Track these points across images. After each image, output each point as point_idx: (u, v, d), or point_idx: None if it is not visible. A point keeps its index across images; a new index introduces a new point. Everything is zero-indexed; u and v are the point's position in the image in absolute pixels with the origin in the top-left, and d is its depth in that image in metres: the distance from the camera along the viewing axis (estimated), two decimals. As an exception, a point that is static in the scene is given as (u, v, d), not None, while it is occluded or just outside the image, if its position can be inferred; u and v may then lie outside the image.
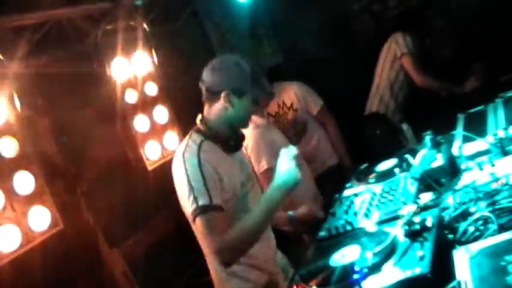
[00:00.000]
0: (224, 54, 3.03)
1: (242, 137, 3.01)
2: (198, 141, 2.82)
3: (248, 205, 2.91)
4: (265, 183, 3.79)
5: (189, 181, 2.68)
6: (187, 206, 2.70)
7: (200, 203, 2.64)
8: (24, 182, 3.67)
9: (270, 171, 3.59)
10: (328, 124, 4.88)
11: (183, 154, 2.77)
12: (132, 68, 4.89)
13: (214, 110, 2.89)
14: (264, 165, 4.02)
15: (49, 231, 3.73)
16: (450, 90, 5.02)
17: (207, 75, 2.88)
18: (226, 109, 2.85)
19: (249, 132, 3.81)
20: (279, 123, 4.75)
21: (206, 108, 2.94)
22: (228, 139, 2.90)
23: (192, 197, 2.66)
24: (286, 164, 2.68)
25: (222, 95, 2.82)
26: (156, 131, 5.03)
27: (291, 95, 4.79)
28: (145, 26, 5.05)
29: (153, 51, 5.13)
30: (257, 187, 3.12)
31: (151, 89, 5.09)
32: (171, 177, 2.86)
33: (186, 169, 2.72)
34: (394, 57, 5.11)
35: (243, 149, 3.09)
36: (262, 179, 3.93)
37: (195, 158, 2.73)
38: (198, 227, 2.70)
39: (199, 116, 2.95)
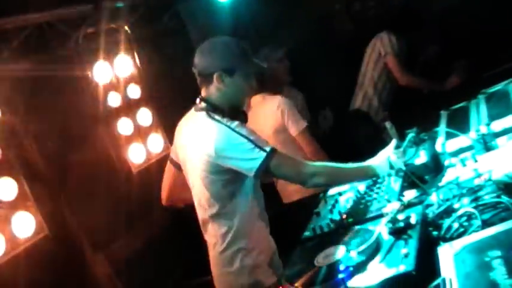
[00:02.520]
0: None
1: (246, 115, 3.07)
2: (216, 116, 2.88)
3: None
4: (303, 142, 4.23)
5: (244, 137, 2.78)
6: (250, 160, 2.77)
7: (267, 148, 2.76)
8: (7, 188, 3.64)
9: (309, 129, 4.17)
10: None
11: (219, 123, 2.84)
12: (114, 71, 4.86)
13: (212, 91, 2.97)
14: (303, 123, 4.22)
15: (34, 237, 3.70)
16: (432, 88, 5.06)
17: (197, 60, 2.99)
18: (221, 90, 2.93)
19: (275, 102, 4.24)
20: None
21: (203, 91, 3.02)
22: (234, 116, 2.93)
23: (256, 148, 2.77)
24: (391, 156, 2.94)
25: (214, 76, 2.90)
26: (140, 133, 5.00)
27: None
28: (127, 28, 5.02)
29: (136, 53, 5.10)
30: None
31: (135, 92, 5.06)
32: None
33: (233, 130, 2.81)
34: (378, 56, 5.14)
35: None
36: (300, 138, 4.22)
37: (231, 121, 2.83)
38: (277, 167, 2.79)
39: (199, 98, 3.02)
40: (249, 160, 2.78)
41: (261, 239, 3.02)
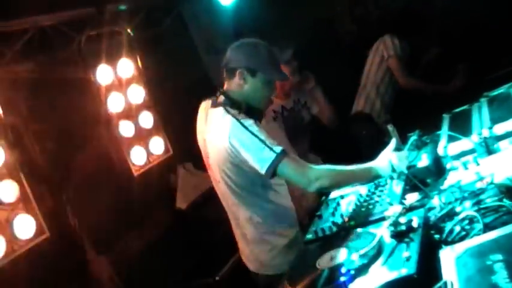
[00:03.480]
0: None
1: (261, 113, 3.20)
2: (235, 111, 3.00)
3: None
4: None
5: (255, 136, 2.88)
6: (261, 159, 2.87)
7: (277, 149, 2.85)
8: (9, 189, 3.64)
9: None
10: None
11: (234, 118, 2.95)
12: (116, 74, 4.87)
13: (233, 86, 3.11)
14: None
15: (35, 239, 3.71)
16: (435, 91, 5.06)
17: (227, 54, 3.13)
18: (242, 86, 3.07)
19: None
20: (293, 120, 4.59)
21: (225, 85, 3.16)
22: (251, 114, 3.03)
23: (267, 148, 2.86)
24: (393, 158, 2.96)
25: (237, 72, 3.05)
26: (142, 136, 5.01)
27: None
28: (129, 31, 5.03)
29: (138, 56, 5.11)
30: None
31: (136, 94, 5.06)
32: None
33: (246, 127, 2.91)
34: (381, 59, 5.15)
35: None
36: None
37: (246, 118, 2.94)
38: (283, 169, 2.88)
39: (219, 91, 3.15)
40: (260, 160, 2.88)
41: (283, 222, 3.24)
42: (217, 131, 3.03)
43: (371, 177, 3.05)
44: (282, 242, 3.21)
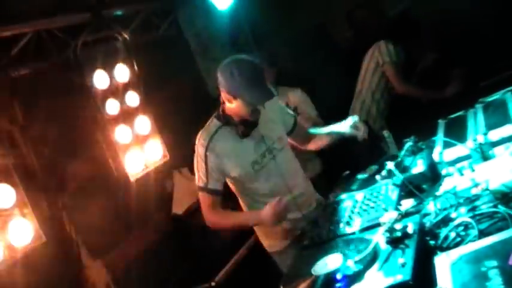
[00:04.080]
0: (235, 55, 3.27)
1: (253, 123, 3.36)
2: (214, 129, 3.34)
3: (265, 175, 3.43)
4: None
5: (197, 162, 3.36)
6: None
7: (199, 184, 3.35)
8: (5, 194, 3.63)
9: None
10: None
11: (198, 139, 3.35)
12: (112, 79, 4.86)
13: (225, 100, 3.30)
14: None
15: (31, 244, 3.70)
16: (431, 97, 5.06)
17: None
18: (230, 102, 3.25)
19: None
20: None
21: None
22: (238, 125, 3.31)
23: (196, 175, 3.38)
24: (274, 212, 3.11)
25: (222, 93, 3.25)
26: (138, 141, 5.00)
27: (296, 99, 4.89)
28: (125, 36, 5.03)
29: (134, 61, 5.11)
30: (281, 155, 3.50)
31: (133, 100, 5.06)
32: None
33: (196, 152, 3.35)
34: (376, 65, 5.14)
35: (260, 127, 3.42)
36: None
37: (203, 147, 3.30)
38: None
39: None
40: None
41: None
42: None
43: (253, 225, 3.56)
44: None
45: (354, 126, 3.59)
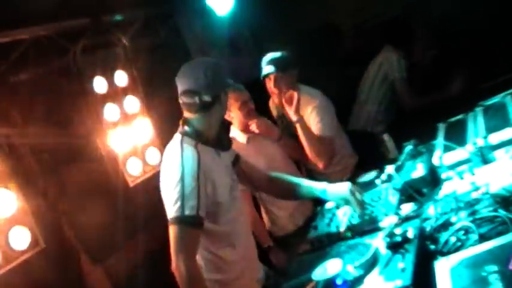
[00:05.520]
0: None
1: (227, 132, 3.19)
2: (191, 145, 2.87)
3: (235, 209, 3.04)
4: None
5: (179, 184, 2.72)
6: (170, 205, 2.76)
7: (181, 213, 2.71)
8: (4, 200, 3.63)
9: None
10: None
11: (174, 157, 2.82)
12: (112, 84, 4.86)
13: None
14: None
15: (30, 250, 3.68)
16: (439, 99, 4.97)
17: None
18: None
19: None
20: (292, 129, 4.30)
21: None
22: (216, 139, 3.01)
23: (174, 204, 2.72)
24: None
25: (191, 102, 2.96)
26: (138, 146, 4.99)
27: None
28: (125, 41, 5.03)
29: (133, 66, 5.10)
30: (239, 198, 3.17)
31: (132, 105, 5.05)
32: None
33: (177, 174, 2.75)
34: (384, 77, 5.05)
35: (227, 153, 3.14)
36: None
37: (193, 162, 2.78)
38: (171, 233, 2.78)
39: None
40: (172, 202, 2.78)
41: None
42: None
43: None
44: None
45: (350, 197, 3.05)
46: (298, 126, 3.95)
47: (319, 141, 4.00)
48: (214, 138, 3.00)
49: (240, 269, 3.05)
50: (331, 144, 4.10)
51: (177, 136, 2.97)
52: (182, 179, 2.73)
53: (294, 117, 3.93)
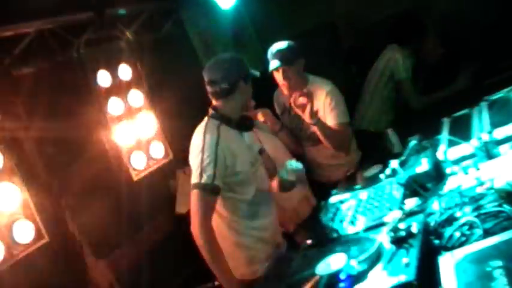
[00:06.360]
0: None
1: (251, 118, 3.53)
2: (216, 125, 3.28)
3: (256, 181, 3.39)
4: None
5: (200, 154, 3.14)
6: (193, 172, 3.16)
7: (200, 180, 3.09)
8: (8, 194, 3.63)
9: None
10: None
11: (201, 132, 3.24)
12: (116, 78, 4.86)
13: None
14: None
15: (33, 244, 3.69)
16: (446, 95, 4.92)
17: None
18: None
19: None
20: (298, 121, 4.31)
21: None
22: (239, 120, 3.39)
23: (195, 171, 3.13)
24: None
25: (216, 91, 3.36)
26: (141, 140, 5.00)
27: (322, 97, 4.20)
28: (129, 35, 5.03)
29: (138, 60, 5.10)
30: (262, 169, 3.53)
31: (136, 99, 5.06)
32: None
33: (199, 144, 3.18)
34: (389, 77, 4.98)
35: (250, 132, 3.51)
36: None
37: (213, 135, 3.20)
38: (192, 200, 3.12)
39: None
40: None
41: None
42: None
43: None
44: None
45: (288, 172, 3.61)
46: (316, 127, 4.02)
47: (338, 132, 4.11)
48: (237, 121, 3.37)
49: (259, 236, 3.39)
50: (347, 129, 4.26)
51: (205, 119, 3.34)
52: (202, 151, 3.13)
53: (310, 120, 3.99)
